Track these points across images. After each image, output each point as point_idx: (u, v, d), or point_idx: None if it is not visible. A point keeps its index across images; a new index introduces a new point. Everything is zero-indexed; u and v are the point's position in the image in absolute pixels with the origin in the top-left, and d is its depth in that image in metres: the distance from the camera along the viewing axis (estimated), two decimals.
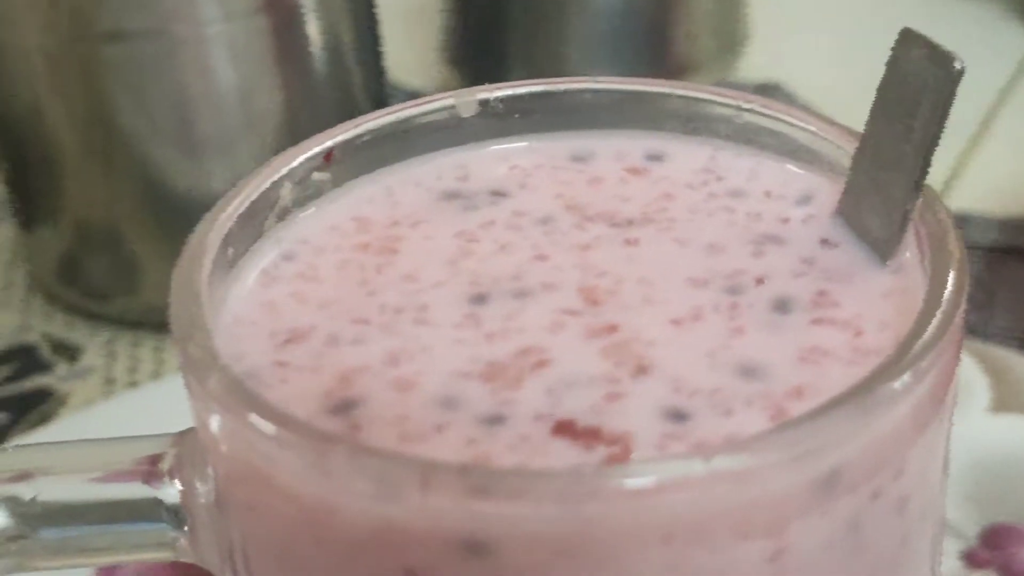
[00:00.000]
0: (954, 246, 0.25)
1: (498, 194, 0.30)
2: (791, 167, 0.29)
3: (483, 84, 0.69)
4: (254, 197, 0.27)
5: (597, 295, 0.26)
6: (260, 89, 0.51)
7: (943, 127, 0.25)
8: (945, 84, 0.24)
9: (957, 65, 0.24)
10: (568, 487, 0.20)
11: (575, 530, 0.21)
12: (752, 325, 0.26)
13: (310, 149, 0.28)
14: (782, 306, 0.26)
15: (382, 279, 0.27)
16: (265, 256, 0.28)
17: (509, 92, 0.30)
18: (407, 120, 0.30)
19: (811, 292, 0.26)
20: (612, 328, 0.26)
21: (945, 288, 0.24)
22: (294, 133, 0.55)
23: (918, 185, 0.26)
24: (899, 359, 0.23)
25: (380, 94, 0.58)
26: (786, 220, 0.28)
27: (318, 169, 0.29)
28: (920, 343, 0.23)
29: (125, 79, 0.48)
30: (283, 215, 0.28)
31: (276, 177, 0.28)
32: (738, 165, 0.30)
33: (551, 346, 0.25)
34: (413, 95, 0.69)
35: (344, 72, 0.55)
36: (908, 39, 0.25)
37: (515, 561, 0.21)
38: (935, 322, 0.23)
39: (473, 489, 0.21)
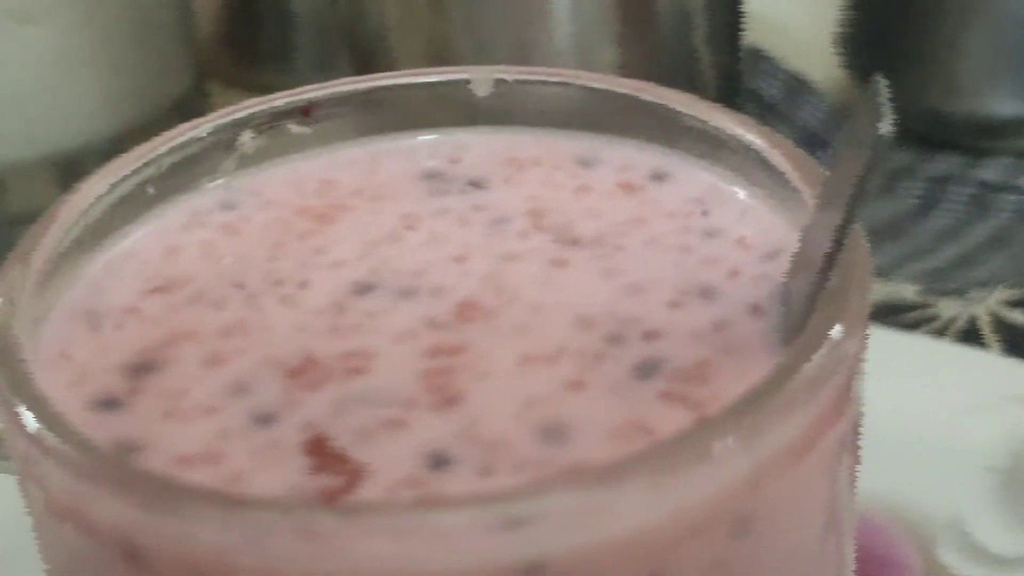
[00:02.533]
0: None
1: (476, 185, 0.28)
2: (779, 215, 0.26)
3: (873, 82, 0.66)
4: (200, 135, 0.27)
5: (474, 312, 0.24)
6: (597, 44, 0.50)
7: (858, 206, 0.21)
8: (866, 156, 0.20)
9: (882, 128, 0.20)
10: (201, 511, 0.19)
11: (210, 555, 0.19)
12: (596, 382, 0.22)
13: (285, 98, 0.28)
14: (646, 369, 0.23)
15: (293, 247, 0.26)
16: (204, 199, 0.27)
17: (529, 77, 0.28)
18: (417, 87, 0.29)
19: (693, 360, 0.23)
20: (456, 350, 0.23)
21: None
22: None
23: (824, 270, 0.22)
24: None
25: (732, 69, 0.56)
26: (735, 274, 0.25)
27: (298, 122, 0.28)
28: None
29: (464, 21, 0.49)
30: (245, 162, 0.28)
31: (230, 120, 0.27)
32: (732, 202, 0.26)
33: (382, 355, 0.23)
34: (789, 78, 0.66)
35: (690, 40, 0.53)
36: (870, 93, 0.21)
37: (165, 570, 0.20)
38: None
39: (124, 491, 0.20)
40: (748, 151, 0.26)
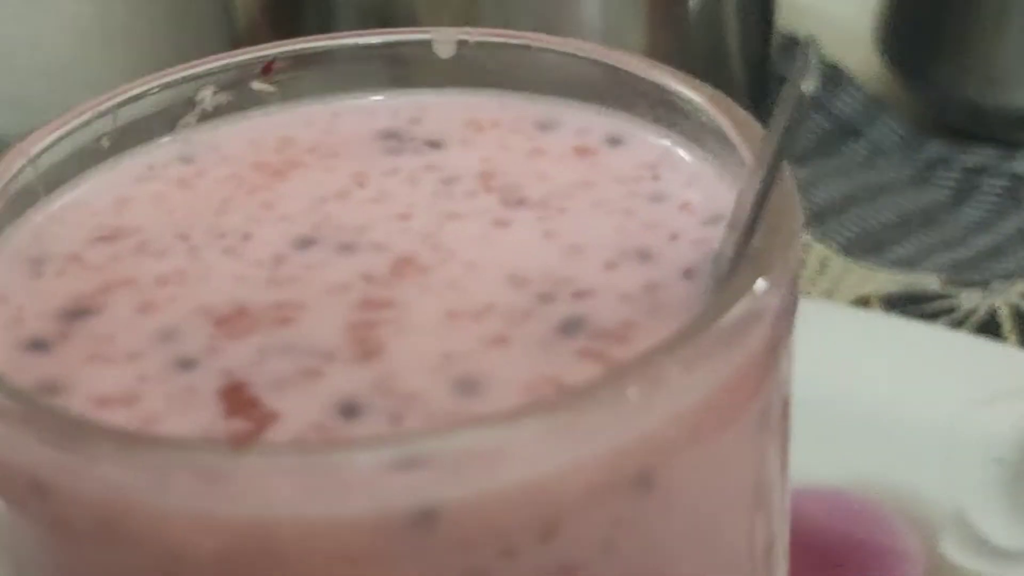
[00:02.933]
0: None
1: (433, 145, 0.28)
2: (725, 180, 0.25)
3: (911, 77, 0.65)
4: (158, 89, 0.27)
5: (407, 269, 0.24)
6: (626, 27, 0.50)
7: (778, 165, 0.21)
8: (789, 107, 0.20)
9: (804, 87, 0.20)
10: (110, 450, 0.19)
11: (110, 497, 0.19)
12: (517, 338, 0.22)
13: (246, 55, 0.28)
14: (570, 327, 0.23)
15: (242, 201, 0.26)
16: (161, 153, 0.27)
17: (492, 39, 0.28)
18: (381, 47, 0.29)
19: (617, 320, 0.23)
20: (385, 304, 0.23)
21: None
22: None
23: (746, 231, 0.21)
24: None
25: (763, 54, 0.55)
26: (675, 237, 0.25)
27: (258, 79, 0.28)
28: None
29: (494, 3, 0.49)
30: (205, 117, 0.28)
31: (189, 74, 0.27)
32: (682, 167, 0.26)
33: (311, 306, 0.24)
34: (825, 66, 0.66)
35: (721, 24, 0.53)
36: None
37: (67, 504, 0.20)
38: None
39: (29, 427, 0.20)
40: (698, 115, 0.26)
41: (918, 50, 0.59)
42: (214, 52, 0.63)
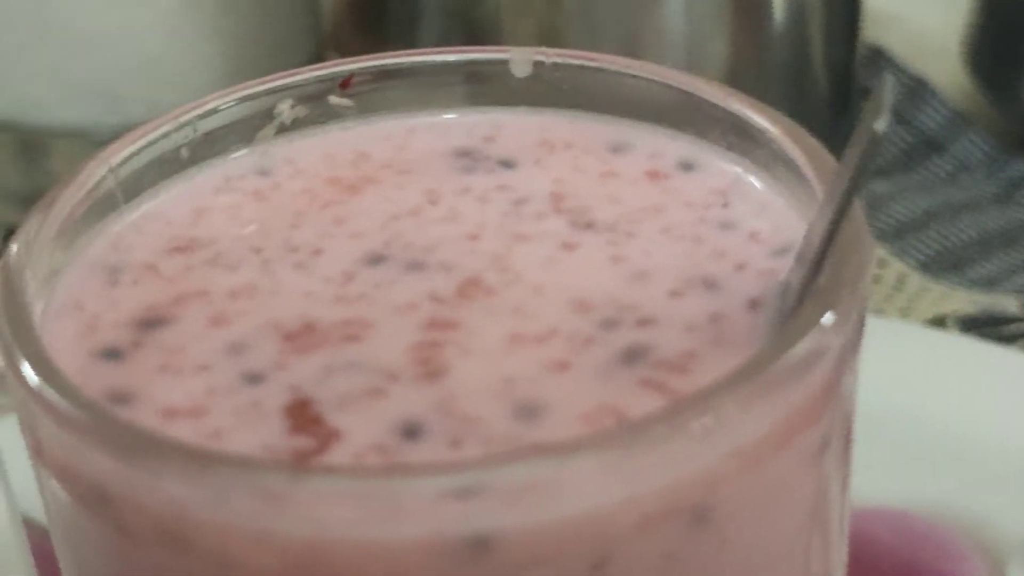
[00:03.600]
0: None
1: (506, 165, 0.28)
2: (796, 211, 0.25)
3: (998, 92, 0.65)
4: (237, 102, 0.27)
5: (474, 290, 0.24)
6: (709, 37, 0.50)
7: (850, 201, 0.21)
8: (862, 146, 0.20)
9: (877, 126, 0.20)
10: (178, 466, 0.20)
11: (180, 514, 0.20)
12: (581, 364, 0.23)
13: (325, 69, 0.28)
14: (632, 356, 0.23)
15: (315, 216, 0.27)
16: (239, 165, 0.28)
17: (568, 60, 0.28)
18: (459, 65, 0.29)
19: (680, 350, 0.23)
20: (451, 325, 0.24)
21: None
22: (736, 86, 0.54)
23: (815, 265, 0.21)
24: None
25: (847, 67, 0.55)
26: (741, 267, 0.25)
27: (336, 93, 0.29)
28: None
29: (577, 9, 0.49)
30: (283, 130, 0.28)
31: (268, 87, 0.28)
32: (753, 195, 0.26)
33: (378, 325, 0.24)
34: (910, 79, 0.65)
35: (805, 35, 0.53)
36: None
37: (130, 514, 0.21)
38: None
39: (95, 437, 0.20)
40: (771, 145, 0.26)
41: (1006, 65, 0.58)
42: (299, 50, 0.63)
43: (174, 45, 0.58)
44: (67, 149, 0.57)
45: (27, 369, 0.22)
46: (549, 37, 0.50)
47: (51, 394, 0.21)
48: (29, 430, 0.22)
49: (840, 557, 0.25)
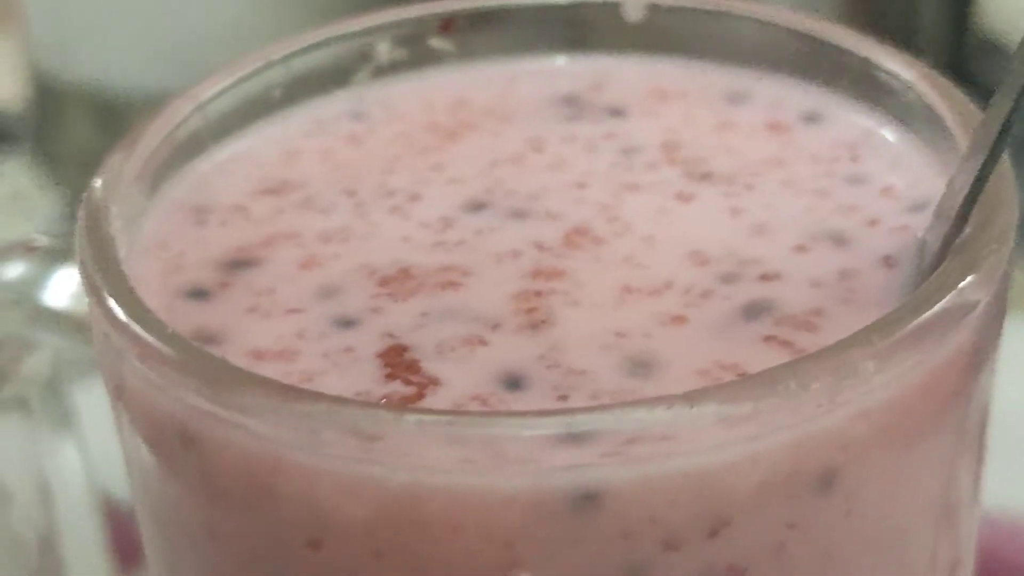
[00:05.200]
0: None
1: (616, 113, 0.27)
2: (933, 165, 0.24)
3: None
4: (333, 41, 0.27)
5: (581, 239, 0.23)
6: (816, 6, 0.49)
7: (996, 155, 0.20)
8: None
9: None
10: (265, 404, 0.19)
11: (275, 453, 0.19)
12: (698, 318, 0.22)
13: (426, 9, 0.27)
14: (754, 310, 0.22)
15: (411, 161, 0.26)
16: (332, 108, 0.27)
17: (684, 4, 0.27)
18: (566, 8, 0.28)
19: (806, 307, 0.22)
20: (557, 274, 0.23)
21: None
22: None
23: (957, 221, 0.20)
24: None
25: (957, 54, 0.53)
26: (874, 223, 0.23)
27: (437, 36, 0.28)
28: None
29: None
30: (379, 73, 0.28)
31: (365, 27, 0.27)
32: (885, 149, 0.25)
33: (478, 272, 0.23)
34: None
35: (915, 21, 0.51)
36: None
37: (215, 457, 0.20)
38: None
39: (182, 373, 0.20)
40: (907, 94, 0.25)
41: None
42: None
43: (253, 8, 0.58)
44: (143, 115, 0.57)
45: (113, 305, 0.21)
46: None
47: (138, 330, 0.20)
48: (111, 371, 0.22)
49: (968, 553, 0.24)
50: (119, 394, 0.22)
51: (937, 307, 0.20)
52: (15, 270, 0.29)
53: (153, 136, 0.25)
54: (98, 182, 0.24)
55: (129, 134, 0.25)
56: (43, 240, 0.30)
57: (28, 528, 0.31)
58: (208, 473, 0.20)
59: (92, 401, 0.32)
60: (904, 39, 0.51)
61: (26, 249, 0.30)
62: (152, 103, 0.58)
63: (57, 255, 0.29)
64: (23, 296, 0.28)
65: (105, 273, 0.22)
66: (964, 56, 0.54)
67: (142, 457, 0.22)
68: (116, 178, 0.24)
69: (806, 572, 0.20)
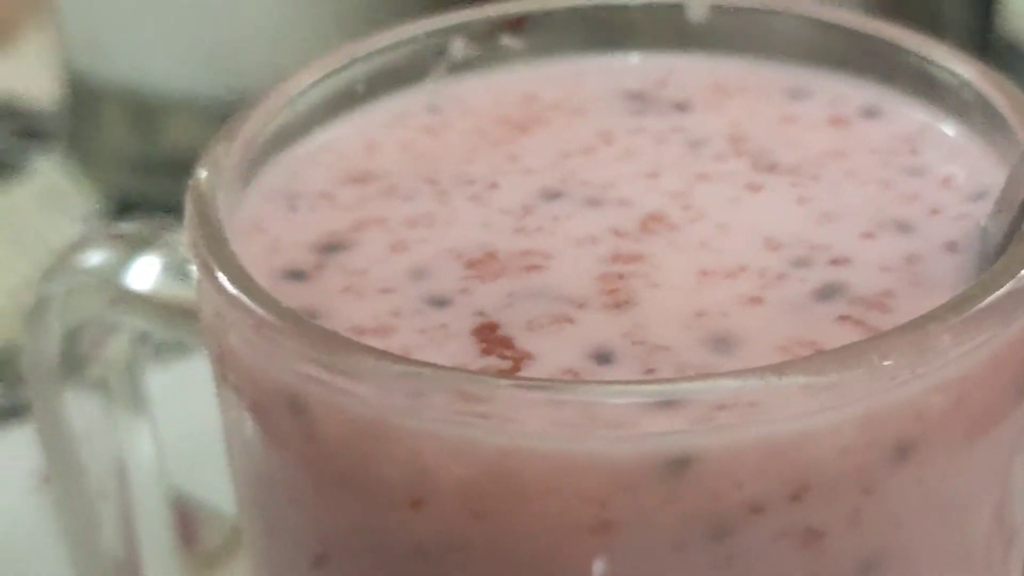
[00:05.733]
0: None
1: (681, 108, 0.28)
2: (991, 156, 0.25)
3: None
4: (412, 39, 0.28)
5: (658, 224, 0.25)
6: None
7: None
8: None
9: None
10: (377, 369, 0.20)
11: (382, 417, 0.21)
12: (775, 298, 0.23)
13: (498, 9, 0.29)
14: (828, 292, 0.23)
15: (488, 152, 0.27)
16: (410, 101, 0.28)
17: (744, 4, 0.29)
18: (631, 9, 0.29)
19: (877, 289, 0.23)
20: (635, 258, 0.24)
21: None
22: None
23: (1020, 210, 0.21)
24: None
25: (983, 43, 0.54)
26: (935, 212, 0.25)
27: (507, 34, 0.29)
28: None
29: None
30: (454, 69, 0.29)
31: (441, 26, 0.28)
32: (942, 141, 0.26)
33: (560, 256, 0.24)
34: None
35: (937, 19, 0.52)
36: None
37: (324, 422, 0.21)
38: None
39: (294, 341, 0.21)
40: (963, 90, 0.26)
41: None
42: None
43: (291, 11, 0.59)
44: (181, 117, 0.58)
45: (225, 282, 0.22)
46: None
47: (252, 304, 0.22)
48: (217, 344, 0.23)
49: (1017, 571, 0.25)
50: (223, 367, 0.23)
51: (1004, 289, 0.21)
52: (98, 256, 0.31)
53: (249, 127, 0.26)
54: (203, 172, 0.25)
55: (227, 126, 0.26)
56: (126, 227, 0.32)
57: (103, 502, 0.32)
58: (316, 438, 0.22)
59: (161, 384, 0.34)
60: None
61: (109, 236, 0.31)
62: (186, 105, 0.59)
63: (139, 242, 0.30)
64: (105, 281, 0.30)
65: (217, 254, 0.23)
66: (989, 58, 0.55)
67: (246, 427, 0.23)
68: (219, 166, 0.25)
69: (877, 535, 0.21)
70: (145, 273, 0.30)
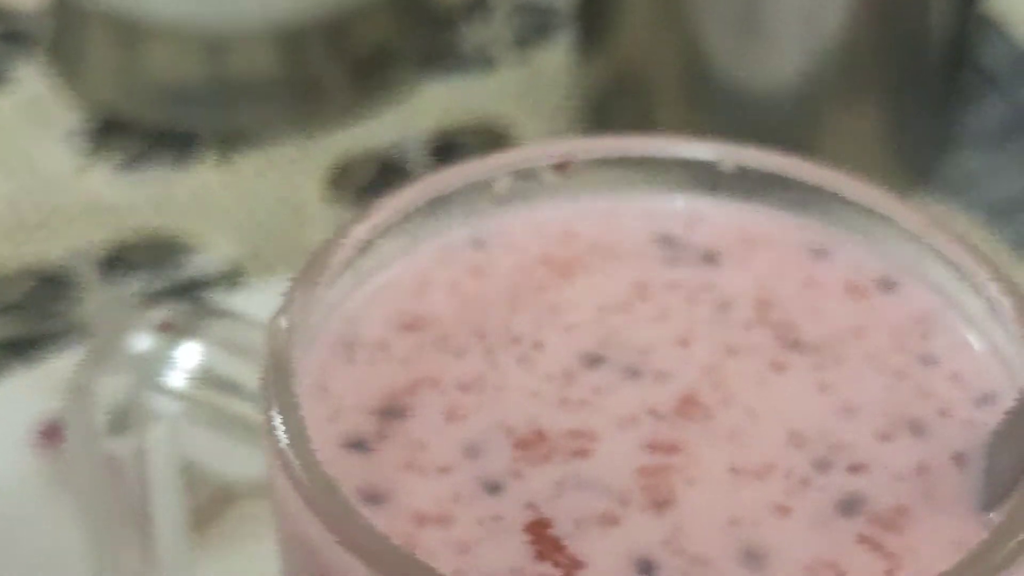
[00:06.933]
0: None
1: (710, 259, 0.30)
2: (996, 356, 0.28)
3: None
4: (459, 182, 0.30)
5: (694, 409, 0.27)
6: (826, 4, 0.51)
7: None
8: None
9: None
10: None
11: None
12: (801, 510, 0.25)
13: (546, 150, 0.30)
14: (848, 506, 0.25)
15: (531, 300, 0.29)
16: (456, 235, 0.30)
17: (769, 169, 0.30)
18: (664, 156, 0.31)
19: (892, 503, 0.25)
20: (672, 448, 0.26)
21: None
22: (852, 56, 0.55)
23: None
24: None
25: (960, 38, 0.56)
26: (945, 414, 0.27)
27: (552, 173, 0.31)
28: None
29: None
30: (501, 202, 0.31)
31: (492, 165, 0.30)
32: (951, 329, 0.29)
33: (604, 439, 0.26)
34: (1019, 52, 0.65)
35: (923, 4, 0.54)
36: None
37: None
38: None
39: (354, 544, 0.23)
40: (969, 280, 0.28)
41: None
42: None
43: None
44: (168, 41, 0.58)
45: (292, 458, 0.24)
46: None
47: (311, 486, 0.24)
48: (283, 514, 0.25)
49: None
50: (285, 531, 0.25)
51: (1010, 547, 0.23)
52: (143, 343, 0.32)
53: (321, 277, 0.27)
54: (283, 322, 0.26)
55: (302, 273, 0.27)
56: (171, 316, 0.33)
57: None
58: None
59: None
60: (912, 25, 0.54)
61: (155, 327, 0.33)
62: (172, 28, 0.59)
63: (182, 333, 0.32)
64: (146, 373, 0.31)
65: (287, 427, 0.25)
66: (970, 42, 0.56)
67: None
68: (295, 319, 0.27)
69: None
70: (184, 364, 0.31)
